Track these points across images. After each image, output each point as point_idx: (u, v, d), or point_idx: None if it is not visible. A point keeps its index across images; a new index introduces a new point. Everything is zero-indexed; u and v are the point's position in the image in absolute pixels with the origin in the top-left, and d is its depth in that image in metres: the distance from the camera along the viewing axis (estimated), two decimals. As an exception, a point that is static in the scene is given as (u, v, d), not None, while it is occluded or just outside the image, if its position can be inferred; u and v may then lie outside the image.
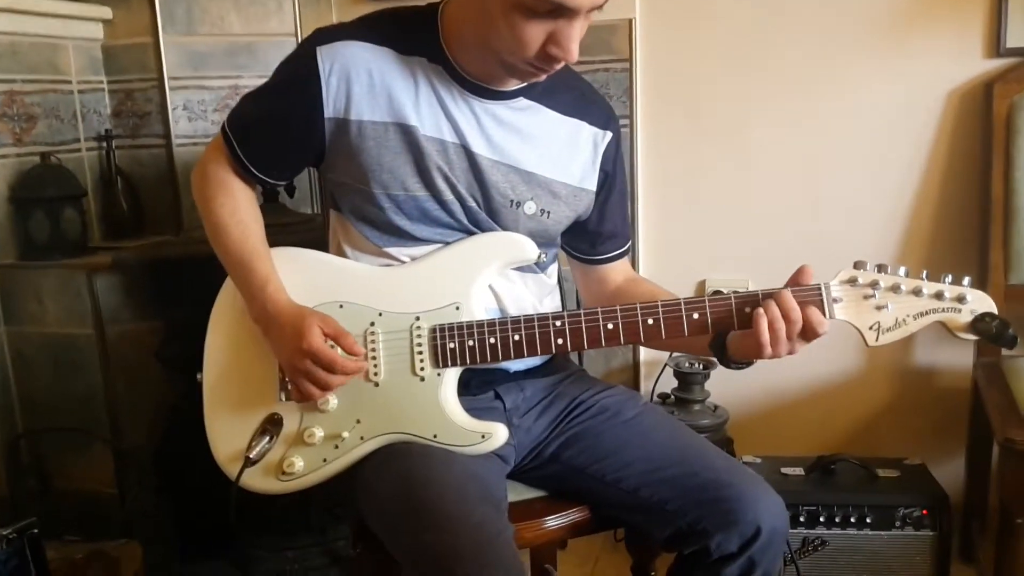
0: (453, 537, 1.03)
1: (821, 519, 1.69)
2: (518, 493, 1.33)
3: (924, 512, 1.65)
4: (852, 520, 1.68)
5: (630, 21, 2.11)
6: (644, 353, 2.29)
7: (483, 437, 1.19)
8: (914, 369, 2.11)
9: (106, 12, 2.09)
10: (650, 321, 1.15)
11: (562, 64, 1.12)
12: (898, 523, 1.66)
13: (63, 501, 1.97)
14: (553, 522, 1.28)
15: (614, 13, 2.07)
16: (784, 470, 1.78)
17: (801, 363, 2.13)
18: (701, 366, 2.14)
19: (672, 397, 2.16)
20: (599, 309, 1.17)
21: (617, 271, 1.42)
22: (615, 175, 1.35)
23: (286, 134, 1.24)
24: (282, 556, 1.91)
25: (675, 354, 2.17)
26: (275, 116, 1.24)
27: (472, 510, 1.07)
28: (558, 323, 1.17)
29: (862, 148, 2.05)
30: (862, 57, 2.01)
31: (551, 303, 1.38)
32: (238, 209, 1.27)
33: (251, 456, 1.22)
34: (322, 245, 1.35)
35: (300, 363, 1.15)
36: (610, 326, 1.16)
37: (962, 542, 1.97)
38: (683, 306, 1.15)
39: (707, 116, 2.13)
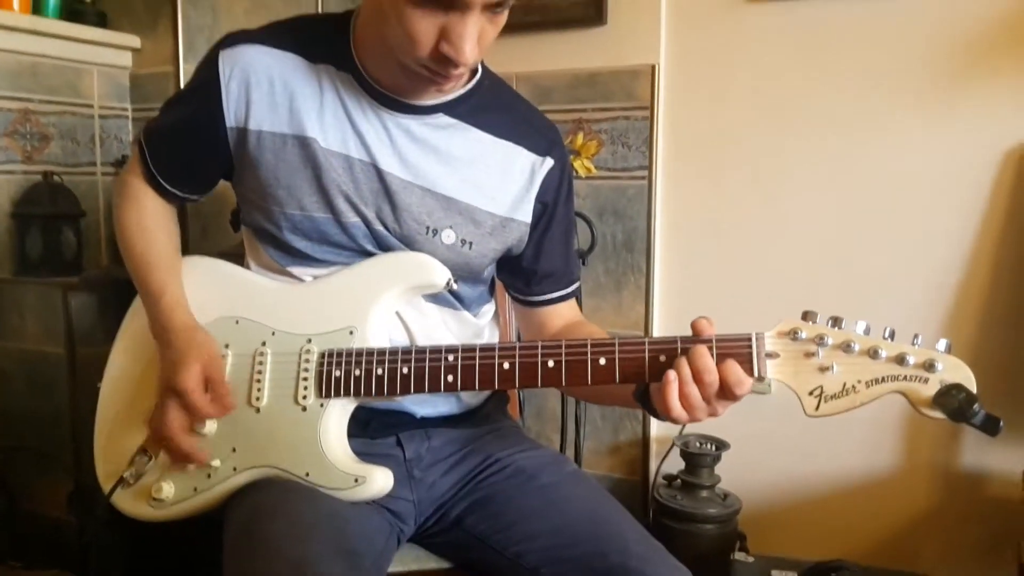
0: (270, 569, 0.89)
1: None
2: (419, 561, 1.17)
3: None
4: (841, 643, 1.40)
5: (653, 67, 1.97)
6: (655, 428, 2.08)
7: (356, 481, 1.04)
8: (961, 472, 1.82)
9: (135, 41, 2.12)
10: (550, 363, 0.99)
11: (460, 70, 0.99)
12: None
13: (27, 523, 1.91)
14: (443, 600, 1.12)
15: (636, 58, 1.98)
16: (774, 573, 1.52)
17: (831, 453, 1.90)
18: (712, 447, 1.92)
19: (678, 480, 1.94)
20: (497, 345, 1.02)
21: (558, 315, 1.25)
22: (556, 208, 1.20)
23: (191, 144, 1.15)
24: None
25: (684, 432, 1.96)
26: (180, 125, 1.16)
27: (310, 549, 0.92)
28: (450, 358, 1.02)
29: (905, 211, 1.82)
30: (906, 110, 1.79)
31: None
32: (144, 217, 1.20)
33: (125, 475, 1.13)
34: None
35: (166, 396, 1.07)
36: (506, 365, 1.00)
37: None
38: (589, 349, 0.98)
39: (732, 171, 1.95)
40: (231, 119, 1.10)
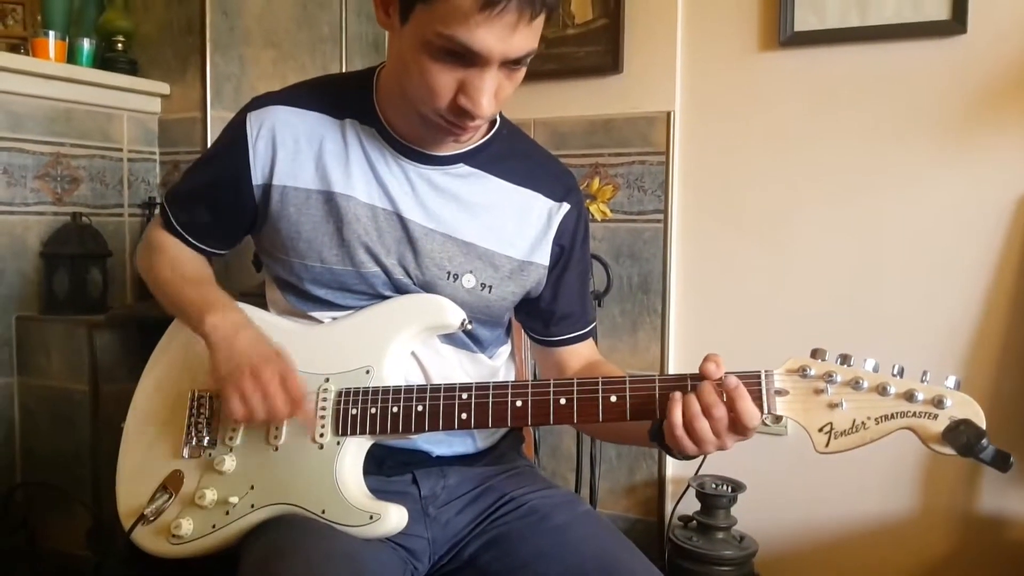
0: None
1: None
2: (434, 600, 1.17)
3: None
4: None
5: (669, 114, 2.01)
6: (671, 469, 2.08)
7: (371, 518, 1.05)
8: (980, 516, 1.80)
9: (164, 88, 2.19)
10: (562, 401, 1.00)
11: (478, 121, 1.03)
12: None
13: (46, 559, 1.93)
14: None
15: (652, 105, 2.02)
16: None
17: (848, 495, 1.89)
18: (728, 488, 1.92)
19: (694, 521, 1.94)
20: (510, 383, 1.04)
21: (576, 355, 1.27)
22: (572, 251, 1.22)
23: (218, 203, 1.19)
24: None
25: (699, 473, 1.96)
26: (207, 185, 1.20)
27: None
28: (464, 396, 1.04)
29: (918, 256, 1.83)
30: (921, 155, 1.82)
31: None
32: (176, 256, 1.24)
33: (145, 512, 1.15)
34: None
35: (264, 370, 1.03)
36: (518, 403, 1.02)
37: None
38: (600, 386, 1.00)
39: (747, 215, 1.98)
40: (258, 177, 1.14)
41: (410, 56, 0.99)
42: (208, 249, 1.25)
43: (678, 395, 0.95)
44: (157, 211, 1.29)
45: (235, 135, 1.15)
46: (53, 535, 1.95)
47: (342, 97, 1.16)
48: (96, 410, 1.86)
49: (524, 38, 0.96)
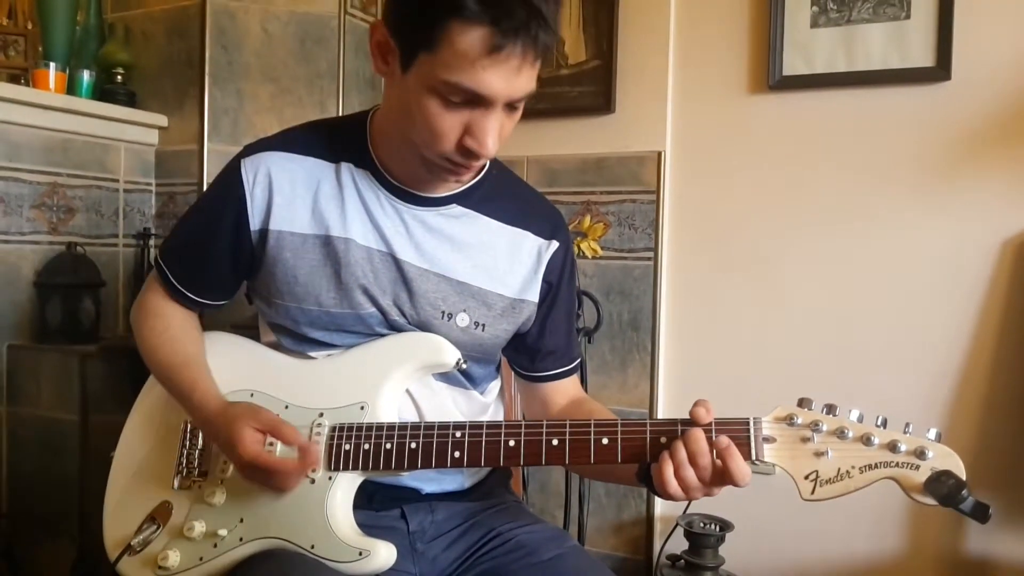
0: None
1: None
2: (421, 635, 1.17)
3: None
4: None
5: (659, 153, 2.05)
6: (659, 507, 2.08)
7: (360, 555, 1.05)
8: (967, 560, 1.81)
9: (162, 120, 2.21)
10: (555, 442, 1.02)
11: (481, 161, 1.05)
12: None
13: (29, 591, 1.92)
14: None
15: (643, 145, 2.05)
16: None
17: (836, 535, 1.90)
18: (716, 527, 1.92)
19: (682, 561, 1.94)
20: (503, 423, 1.05)
21: (561, 392, 1.29)
22: (560, 287, 1.24)
23: (216, 251, 1.18)
24: None
25: (687, 511, 1.97)
26: (204, 233, 1.19)
27: None
28: (457, 434, 1.06)
29: (905, 300, 1.86)
30: (907, 199, 1.85)
31: None
32: (168, 327, 1.22)
33: (132, 543, 1.15)
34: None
35: (249, 474, 1.07)
36: (511, 443, 1.03)
37: None
38: (592, 429, 1.01)
39: (735, 254, 2.00)
40: (255, 223, 1.15)
41: (413, 102, 1.01)
42: (208, 302, 1.24)
43: (667, 455, 0.96)
44: (153, 272, 1.26)
45: (231, 182, 1.16)
46: (38, 566, 1.93)
47: (336, 141, 1.17)
48: (85, 440, 1.86)
49: (527, 79, 0.99)
